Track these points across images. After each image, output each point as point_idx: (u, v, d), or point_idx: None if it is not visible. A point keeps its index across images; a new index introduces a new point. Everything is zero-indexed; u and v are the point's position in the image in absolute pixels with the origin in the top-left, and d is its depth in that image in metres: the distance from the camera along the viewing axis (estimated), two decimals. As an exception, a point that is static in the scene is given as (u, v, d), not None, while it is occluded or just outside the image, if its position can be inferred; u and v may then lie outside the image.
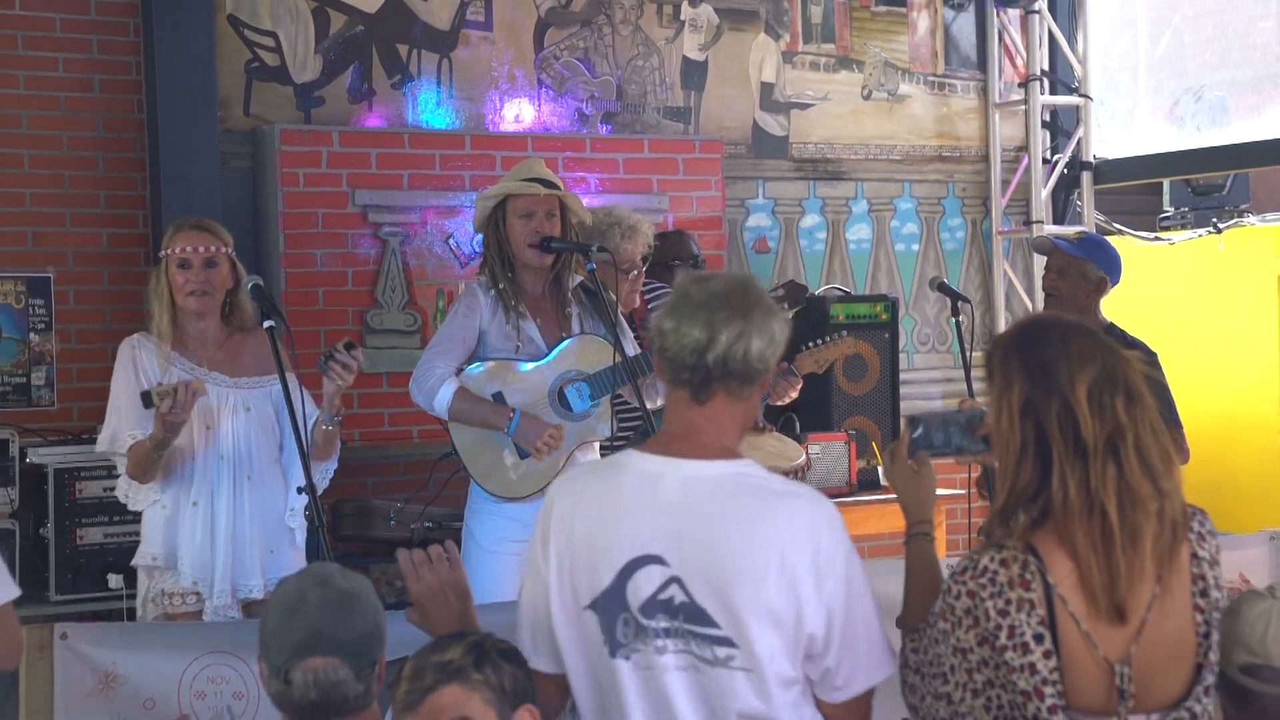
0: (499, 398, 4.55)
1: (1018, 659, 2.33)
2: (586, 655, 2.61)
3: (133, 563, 4.21)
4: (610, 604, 2.56)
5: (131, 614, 4.86)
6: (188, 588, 4.09)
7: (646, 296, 5.21)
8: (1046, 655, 2.34)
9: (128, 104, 5.71)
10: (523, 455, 4.44)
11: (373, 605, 2.57)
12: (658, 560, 2.54)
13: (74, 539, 4.93)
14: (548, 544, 2.65)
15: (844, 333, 5.23)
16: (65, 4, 5.65)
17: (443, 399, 4.43)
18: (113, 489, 5.03)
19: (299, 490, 3.86)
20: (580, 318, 4.68)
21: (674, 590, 2.53)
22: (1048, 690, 2.33)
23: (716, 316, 2.53)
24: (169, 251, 4.07)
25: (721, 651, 2.51)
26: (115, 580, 4.91)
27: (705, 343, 2.53)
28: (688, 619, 2.51)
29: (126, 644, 3.45)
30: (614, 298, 4.64)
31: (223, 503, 4.13)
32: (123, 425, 4.09)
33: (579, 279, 4.74)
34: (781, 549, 2.52)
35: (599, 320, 4.69)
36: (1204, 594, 2.41)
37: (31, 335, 5.50)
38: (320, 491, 4.30)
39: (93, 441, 5.16)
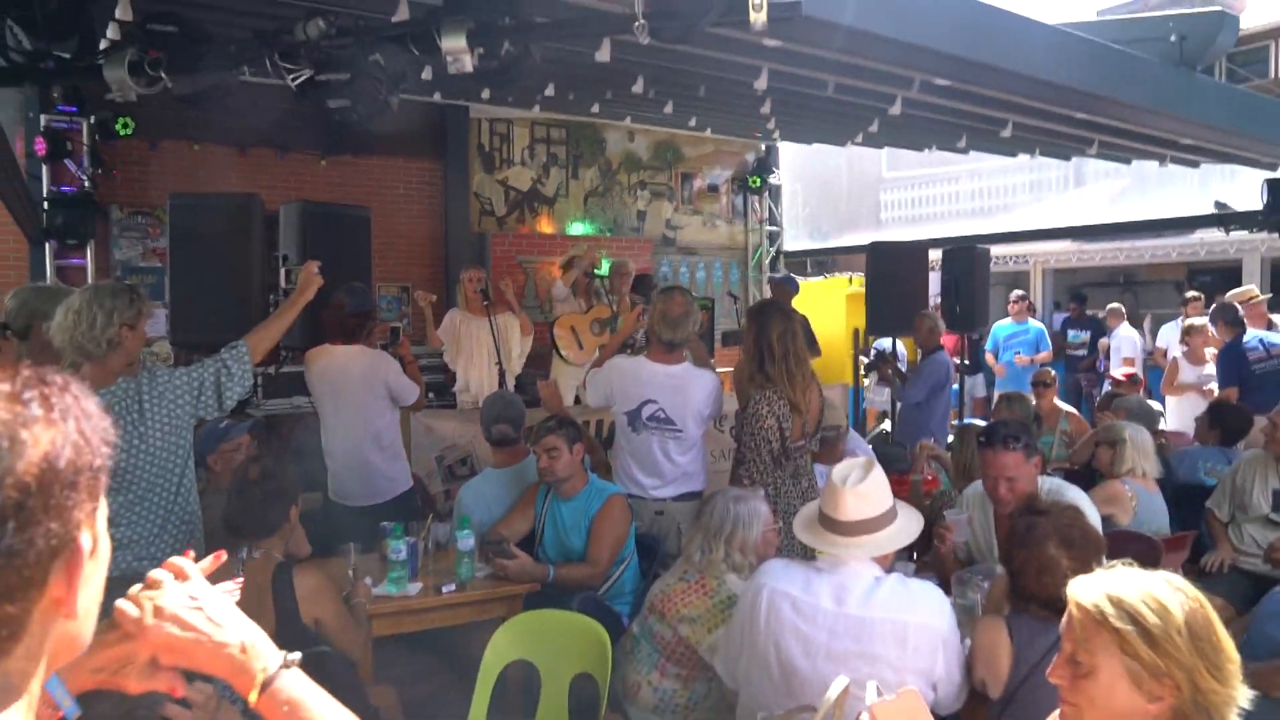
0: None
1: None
2: (621, 420, 4.16)
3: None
4: (634, 415, 4.16)
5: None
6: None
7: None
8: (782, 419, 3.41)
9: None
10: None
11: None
12: (653, 401, 4.17)
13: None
14: (610, 384, 4.15)
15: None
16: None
17: None
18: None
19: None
20: None
21: (658, 410, 4.16)
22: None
23: (682, 332, 3.93)
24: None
25: (678, 432, 4.10)
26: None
27: (677, 341, 3.97)
28: (662, 424, 4.11)
29: None
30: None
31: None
32: None
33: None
34: (703, 388, 4.19)
35: None
36: None
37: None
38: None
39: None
